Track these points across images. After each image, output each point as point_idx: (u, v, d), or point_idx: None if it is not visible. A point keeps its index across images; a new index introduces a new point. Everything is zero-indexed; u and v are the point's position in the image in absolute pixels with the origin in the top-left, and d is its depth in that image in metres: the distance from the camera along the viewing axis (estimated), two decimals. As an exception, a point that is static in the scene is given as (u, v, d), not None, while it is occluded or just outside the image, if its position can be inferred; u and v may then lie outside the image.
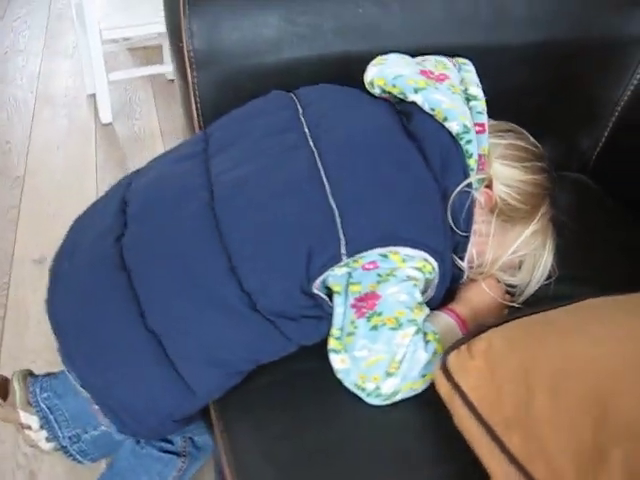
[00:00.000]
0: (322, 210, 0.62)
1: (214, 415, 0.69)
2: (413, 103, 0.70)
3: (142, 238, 0.67)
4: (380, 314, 0.61)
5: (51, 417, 0.99)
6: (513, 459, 0.51)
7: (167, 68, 2.04)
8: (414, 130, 0.69)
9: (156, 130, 1.91)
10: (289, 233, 0.63)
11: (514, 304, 0.73)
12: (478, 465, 0.53)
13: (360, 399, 0.63)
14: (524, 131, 0.75)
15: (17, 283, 1.39)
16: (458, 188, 0.66)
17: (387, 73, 0.71)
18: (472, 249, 0.69)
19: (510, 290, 0.74)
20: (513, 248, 0.72)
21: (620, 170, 1.00)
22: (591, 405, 0.49)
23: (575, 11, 0.92)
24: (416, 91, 0.69)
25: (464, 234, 0.68)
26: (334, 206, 0.62)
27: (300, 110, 0.73)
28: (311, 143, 0.67)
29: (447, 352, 0.59)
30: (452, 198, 0.66)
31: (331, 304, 0.64)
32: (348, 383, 0.63)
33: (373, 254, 0.62)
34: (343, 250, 0.61)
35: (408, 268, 0.62)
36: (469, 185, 0.67)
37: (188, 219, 0.66)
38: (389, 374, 0.61)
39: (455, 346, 0.59)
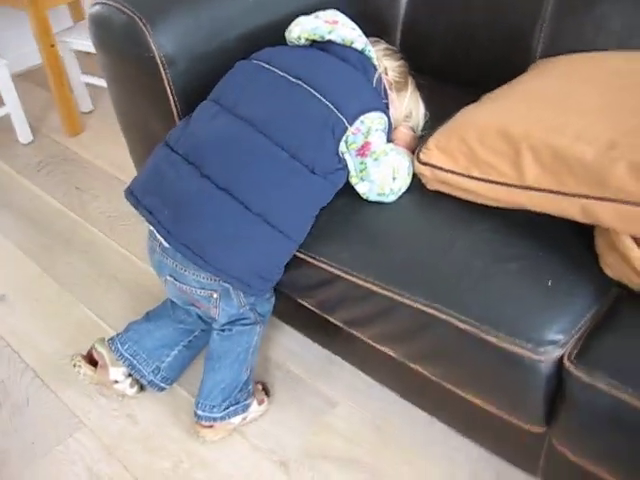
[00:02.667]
0: (325, 108, 1.06)
1: (305, 256, 1.09)
2: (328, 41, 1.16)
3: (224, 166, 1.04)
4: (375, 152, 1.08)
5: (135, 362, 1.29)
6: (478, 178, 1.03)
7: None
8: (335, 54, 1.16)
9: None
10: (318, 125, 1.06)
11: (418, 134, 1.26)
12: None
13: (381, 205, 1.11)
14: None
15: None
16: (376, 76, 1.15)
17: (308, 28, 1.16)
18: (392, 110, 1.19)
19: (413, 129, 1.27)
20: (404, 105, 1.24)
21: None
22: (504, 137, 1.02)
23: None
24: (330, 32, 1.15)
25: (385, 102, 1.17)
26: (329, 104, 1.06)
27: (265, 65, 1.14)
28: (292, 79, 1.09)
29: (417, 154, 1.09)
30: (374, 83, 1.15)
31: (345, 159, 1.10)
32: (373, 197, 1.09)
33: (357, 122, 1.08)
34: (346, 123, 1.06)
35: (376, 124, 1.10)
36: (379, 74, 1.16)
37: (251, 144, 1.05)
38: (394, 178, 1.09)
39: (419, 150, 1.09)
